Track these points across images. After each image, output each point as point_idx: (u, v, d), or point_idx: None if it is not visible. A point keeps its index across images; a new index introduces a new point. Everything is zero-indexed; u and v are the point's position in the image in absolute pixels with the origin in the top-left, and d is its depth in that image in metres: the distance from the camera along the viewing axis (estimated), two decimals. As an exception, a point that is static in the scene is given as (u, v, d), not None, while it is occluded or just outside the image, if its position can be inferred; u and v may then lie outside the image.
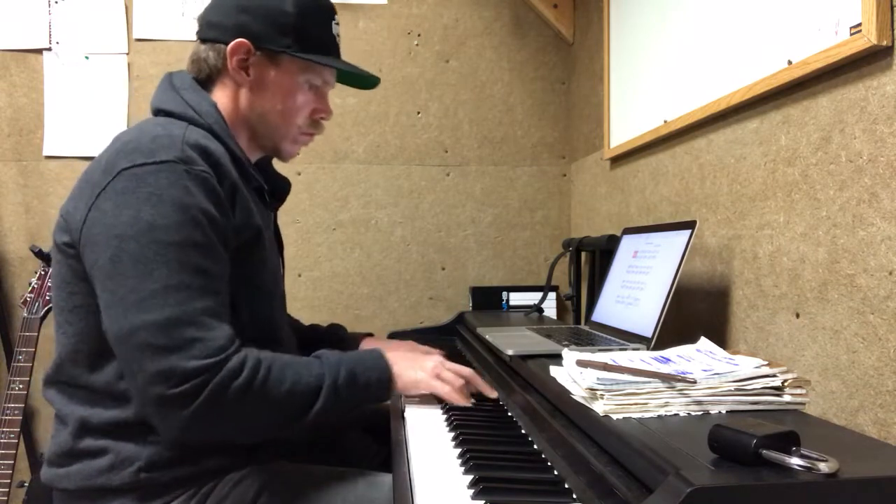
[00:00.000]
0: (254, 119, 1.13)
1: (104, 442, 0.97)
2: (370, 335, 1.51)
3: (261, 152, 1.20)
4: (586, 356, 0.93)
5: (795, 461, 0.59)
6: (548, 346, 1.25)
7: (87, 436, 0.98)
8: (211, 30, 1.11)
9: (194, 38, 1.14)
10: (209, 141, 1.01)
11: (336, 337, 1.47)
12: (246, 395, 0.91)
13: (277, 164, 1.31)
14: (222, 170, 1.00)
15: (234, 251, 1.01)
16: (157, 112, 1.07)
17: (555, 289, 2.27)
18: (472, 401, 1.13)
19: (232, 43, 1.08)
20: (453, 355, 1.70)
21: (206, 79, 1.12)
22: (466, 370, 1.16)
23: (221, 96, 1.11)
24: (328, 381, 0.99)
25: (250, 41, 1.08)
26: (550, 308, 2.26)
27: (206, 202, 0.95)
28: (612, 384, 0.83)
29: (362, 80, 1.25)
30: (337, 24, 1.16)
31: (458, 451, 0.91)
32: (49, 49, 2.23)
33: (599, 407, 0.81)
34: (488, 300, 2.30)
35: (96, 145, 2.23)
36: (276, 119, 1.13)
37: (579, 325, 1.78)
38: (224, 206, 0.98)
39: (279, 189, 1.27)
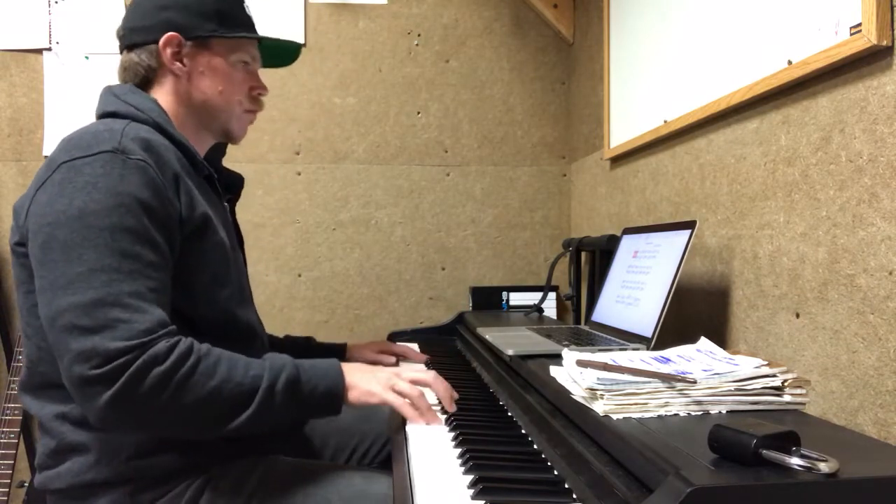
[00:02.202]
0: (198, 107, 1.16)
1: (87, 435, 0.97)
2: (345, 344, 1.54)
3: (212, 139, 1.22)
4: (586, 356, 0.93)
5: (795, 461, 0.59)
6: (548, 346, 1.25)
7: (68, 431, 0.98)
8: (135, 34, 1.14)
9: (119, 50, 1.17)
10: (151, 134, 1.02)
11: (318, 344, 1.49)
12: (167, 383, 0.88)
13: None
14: (163, 160, 1.00)
15: (183, 240, 1.01)
16: (102, 116, 1.10)
17: (555, 289, 2.27)
18: (427, 418, 1.05)
19: (162, 38, 1.11)
20: (453, 355, 1.70)
21: (142, 82, 1.14)
22: (426, 378, 1.09)
23: (162, 93, 1.14)
24: (265, 384, 0.94)
25: (178, 33, 1.12)
26: (550, 308, 2.26)
27: (142, 190, 0.95)
28: (612, 384, 0.83)
29: (286, 54, 1.31)
30: (247, 6, 1.21)
31: (458, 451, 0.91)
32: (49, 49, 2.23)
33: (599, 407, 0.81)
34: (488, 300, 2.30)
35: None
36: (219, 101, 1.17)
37: (579, 325, 1.78)
38: (164, 195, 0.98)
39: (232, 183, 1.29)
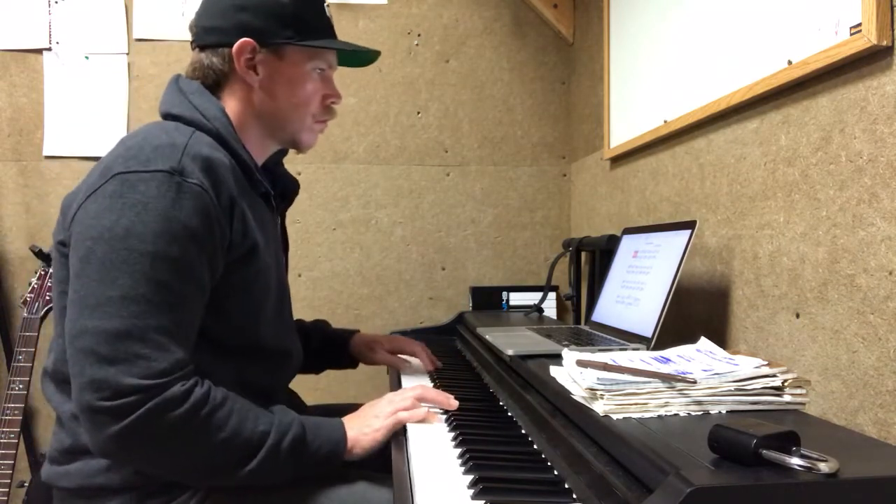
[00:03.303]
0: (268, 116, 1.12)
1: None
2: (357, 332, 1.52)
3: (277, 147, 1.19)
4: (586, 356, 0.93)
5: (795, 461, 0.59)
6: (548, 346, 1.25)
7: (84, 433, 0.98)
8: (209, 35, 1.09)
9: (191, 45, 1.12)
10: (214, 150, 0.99)
11: (324, 334, 1.49)
12: (177, 430, 0.87)
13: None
14: (221, 182, 0.97)
15: (228, 264, 0.99)
16: (166, 116, 1.06)
17: (555, 289, 2.27)
18: (428, 409, 1.08)
19: (236, 44, 1.06)
20: (453, 355, 1.70)
21: (213, 85, 1.10)
22: (419, 393, 1.11)
23: (232, 99, 1.10)
24: (271, 441, 0.94)
25: (254, 39, 1.07)
26: (550, 308, 2.26)
27: (192, 217, 0.92)
28: (612, 384, 0.83)
29: (361, 58, 1.24)
30: (328, 6, 1.16)
31: (458, 451, 0.91)
32: (49, 49, 2.23)
33: (599, 407, 0.81)
34: (488, 300, 2.30)
35: (96, 145, 2.23)
36: (291, 111, 1.12)
37: (579, 325, 1.78)
38: (216, 223, 0.95)
39: (287, 190, 1.26)
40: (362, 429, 1.04)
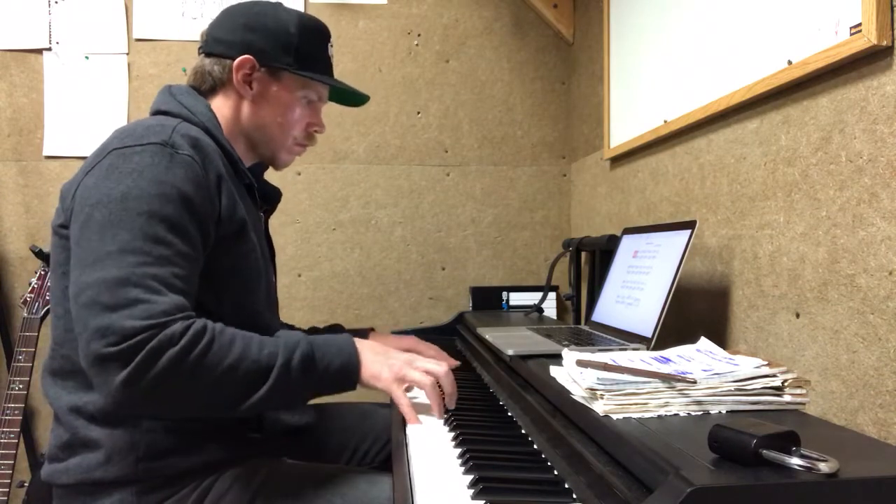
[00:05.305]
0: (252, 129, 1.19)
1: (100, 431, 0.98)
2: (372, 329, 1.49)
3: (256, 160, 1.25)
4: (586, 356, 0.93)
5: (795, 461, 0.59)
6: (548, 346, 1.25)
7: (81, 426, 0.98)
8: (217, 45, 1.17)
9: (198, 50, 1.21)
10: (200, 135, 1.04)
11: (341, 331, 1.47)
12: (181, 364, 0.88)
13: (271, 176, 1.33)
14: (209, 160, 1.02)
15: (218, 240, 1.02)
16: (155, 113, 1.12)
17: (555, 289, 2.27)
18: (436, 411, 1.06)
19: (238, 59, 1.14)
20: (453, 355, 1.70)
21: (209, 90, 1.18)
22: (438, 371, 1.07)
23: (223, 105, 1.17)
24: (280, 361, 0.95)
25: (255, 58, 1.15)
26: (550, 308, 2.26)
27: (185, 183, 0.97)
28: (612, 384, 0.83)
29: (353, 98, 1.33)
30: (331, 46, 1.25)
31: (458, 451, 0.91)
32: (49, 49, 2.23)
33: (599, 407, 0.81)
34: (488, 300, 2.30)
35: (96, 145, 2.23)
36: (275, 130, 1.20)
37: (579, 325, 1.78)
38: (206, 193, 1.00)
39: (270, 196, 1.30)
40: (370, 363, 1.04)
